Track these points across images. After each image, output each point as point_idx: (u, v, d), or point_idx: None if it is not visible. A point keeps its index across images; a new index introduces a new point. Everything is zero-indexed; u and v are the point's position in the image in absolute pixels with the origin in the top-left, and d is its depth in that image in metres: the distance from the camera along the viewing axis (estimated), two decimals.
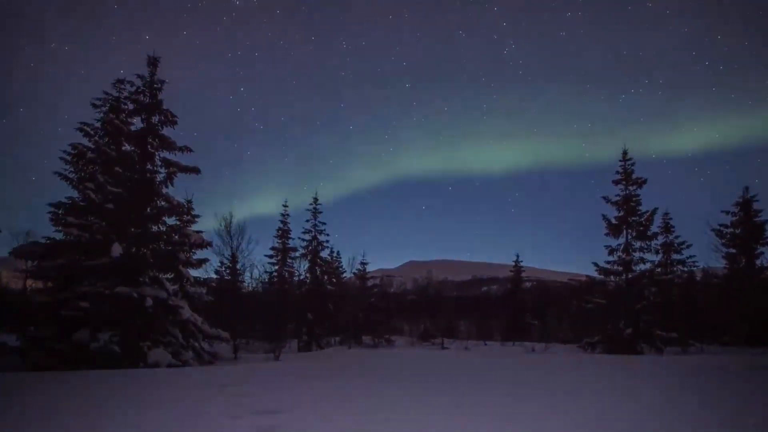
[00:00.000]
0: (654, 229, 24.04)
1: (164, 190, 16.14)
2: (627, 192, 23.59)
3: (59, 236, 14.69)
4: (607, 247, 23.84)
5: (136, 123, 16.34)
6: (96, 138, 15.86)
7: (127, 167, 15.59)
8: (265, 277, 28.64)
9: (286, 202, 29.68)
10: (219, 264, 23.74)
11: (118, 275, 14.29)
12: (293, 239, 29.46)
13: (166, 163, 16.33)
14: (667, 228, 26.40)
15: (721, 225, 26.10)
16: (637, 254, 23.54)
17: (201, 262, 17.33)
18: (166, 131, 16.46)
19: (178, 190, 18.81)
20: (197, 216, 17.14)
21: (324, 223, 29.75)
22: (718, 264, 27.14)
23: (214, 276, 22.88)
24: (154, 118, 16.26)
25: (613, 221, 23.76)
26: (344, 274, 33.91)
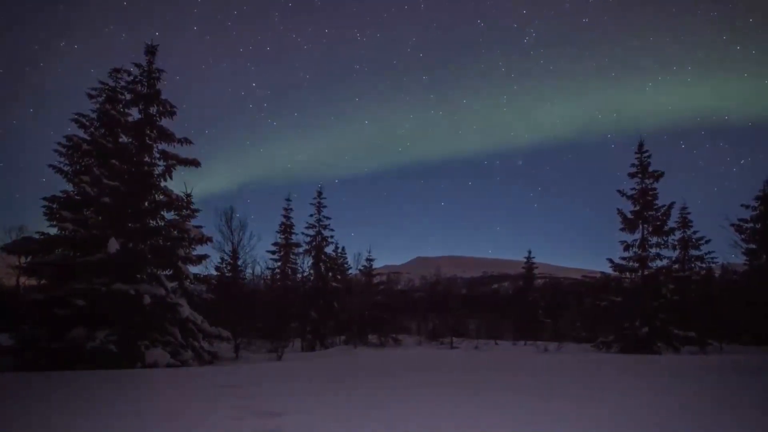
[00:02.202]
0: (671, 223, 23.39)
1: (163, 184, 15.64)
2: (643, 185, 22.90)
3: (53, 231, 14.32)
4: (622, 242, 23.22)
5: (134, 114, 15.86)
6: (92, 129, 15.37)
7: (124, 159, 15.09)
8: (268, 273, 28.13)
9: (289, 196, 29.19)
10: (219, 260, 23.19)
11: (115, 272, 13.85)
12: (296, 234, 28.92)
13: (165, 155, 15.79)
14: (685, 223, 25.58)
15: (740, 219, 25.18)
16: (653, 250, 22.94)
17: (201, 259, 16.80)
18: (165, 123, 15.94)
19: (177, 184, 18.17)
20: (197, 210, 16.54)
21: (328, 218, 29.16)
22: (738, 260, 26.34)
23: (214, 273, 22.30)
24: (152, 108, 15.72)
25: (629, 216, 23.12)
26: (349, 271, 33.34)
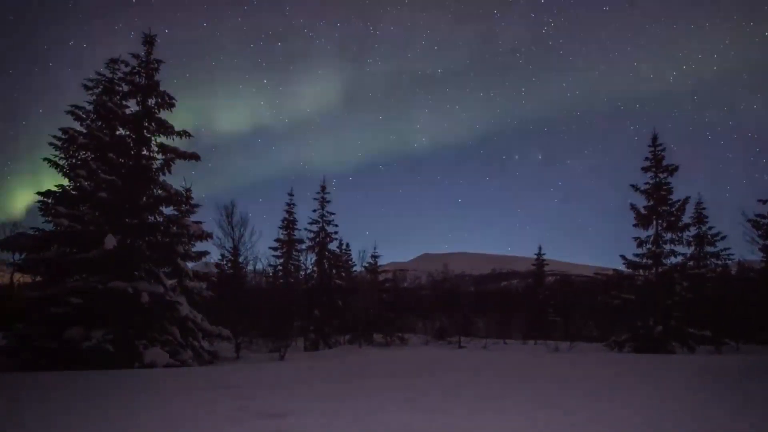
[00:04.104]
0: (686, 219, 22.85)
1: (161, 178, 15.19)
2: (657, 180, 22.26)
3: (49, 227, 13.90)
4: (635, 239, 22.68)
5: (131, 106, 15.40)
6: (88, 122, 14.94)
7: (121, 153, 14.71)
8: (270, 270, 27.64)
9: (291, 191, 28.63)
10: (220, 257, 22.75)
11: (112, 269, 13.49)
12: (299, 230, 28.37)
13: (164, 148, 15.33)
14: (700, 218, 24.94)
15: (757, 215, 24.40)
16: (667, 246, 22.37)
17: (200, 255, 16.45)
18: (163, 115, 15.48)
19: (176, 178, 17.58)
20: (197, 206, 16.14)
21: (333, 213, 28.56)
22: (755, 257, 25.58)
23: (214, 270, 21.83)
24: (150, 100, 15.30)
25: (642, 211, 22.54)
26: (354, 268, 32.85)
